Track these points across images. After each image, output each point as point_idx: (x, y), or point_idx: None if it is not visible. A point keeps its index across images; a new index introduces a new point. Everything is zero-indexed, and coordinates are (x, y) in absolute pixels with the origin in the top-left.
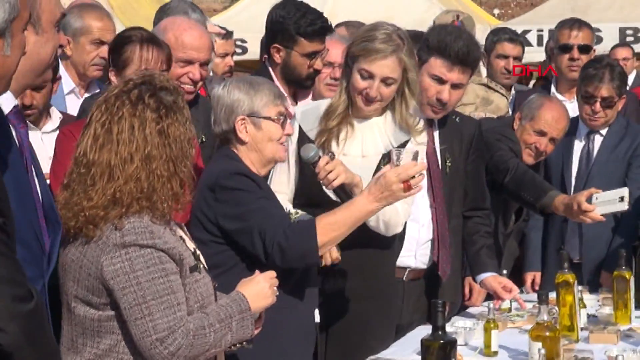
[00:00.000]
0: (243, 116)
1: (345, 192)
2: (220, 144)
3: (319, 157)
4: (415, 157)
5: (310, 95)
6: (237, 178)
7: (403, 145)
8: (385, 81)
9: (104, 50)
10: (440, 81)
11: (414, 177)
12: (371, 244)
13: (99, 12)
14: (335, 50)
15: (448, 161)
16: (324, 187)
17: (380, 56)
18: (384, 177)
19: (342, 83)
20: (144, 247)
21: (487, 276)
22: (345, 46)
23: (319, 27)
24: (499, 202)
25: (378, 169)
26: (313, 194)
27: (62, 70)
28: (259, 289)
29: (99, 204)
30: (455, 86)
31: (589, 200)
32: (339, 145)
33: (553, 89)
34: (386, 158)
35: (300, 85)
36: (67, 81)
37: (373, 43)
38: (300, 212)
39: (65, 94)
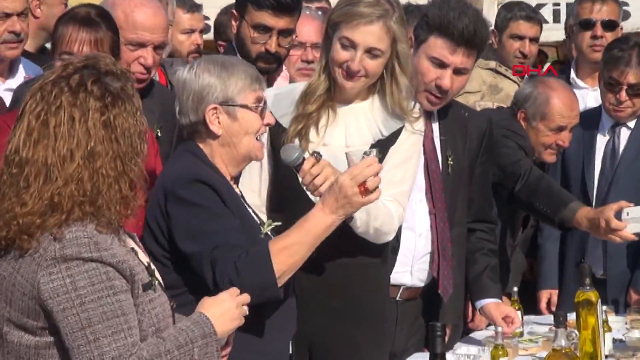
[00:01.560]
0: (215, 105)
1: None
2: (183, 138)
3: (303, 159)
4: (373, 154)
5: (283, 83)
6: (195, 187)
7: (396, 134)
8: (370, 52)
9: (14, 24)
10: (441, 65)
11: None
12: (360, 253)
13: None
14: (306, 28)
15: (450, 159)
16: (308, 193)
17: (364, 21)
18: (337, 183)
19: (322, 60)
20: (88, 260)
21: (488, 302)
22: (327, 14)
23: None
24: (506, 210)
25: None
26: (288, 196)
27: None
28: (225, 308)
29: (35, 210)
30: (458, 71)
31: (619, 215)
32: (318, 133)
33: (572, 73)
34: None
35: None
36: None
37: (357, 7)
38: (274, 222)
39: None
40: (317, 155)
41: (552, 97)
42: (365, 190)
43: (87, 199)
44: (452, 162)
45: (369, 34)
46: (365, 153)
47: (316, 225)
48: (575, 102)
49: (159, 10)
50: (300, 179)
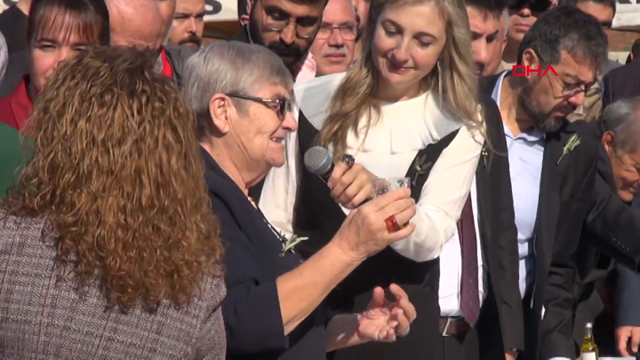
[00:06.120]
0: (222, 94)
1: None
2: None
3: (332, 165)
4: (405, 184)
5: (309, 74)
6: None
7: (450, 137)
8: (419, 38)
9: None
10: (473, 36)
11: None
12: (399, 277)
13: None
14: (332, 6)
15: (484, 149)
16: (340, 205)
17: (412, 1)
18: (360, 214)
19: (365, 49)
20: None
21: None
22: None
23: None
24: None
25: (412, 170)
26: (321, 212)
27: None
28: None
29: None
30: (491, 38)
31: None
32: (358, 136)
33: None
34: (423, 156)
35: None
36: None
37: None
38: (299, 237)
39: None
40: (348, 160)
41: None
42: (394, 225)
43: None
44: (486, 153)
45: (418, 15)
46: (399, 182)
47: (333, 263)
48: None
49: (157, 14)
50: (330, 189)
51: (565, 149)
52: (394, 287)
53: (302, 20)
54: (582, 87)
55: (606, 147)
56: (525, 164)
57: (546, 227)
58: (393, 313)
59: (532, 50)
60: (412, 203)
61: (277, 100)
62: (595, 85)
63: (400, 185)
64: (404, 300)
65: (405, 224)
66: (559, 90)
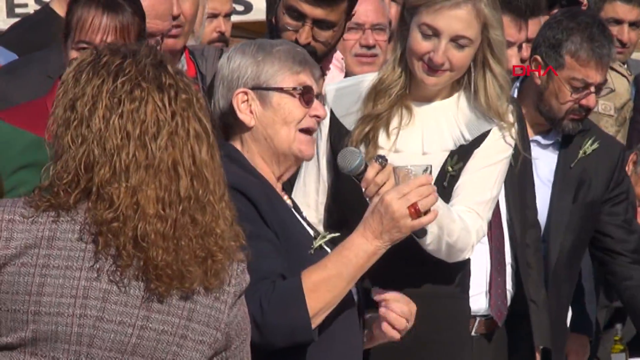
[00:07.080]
0: (244, 89)
1: None
2: (223, 138)
3: (365, 166)
4: (427, 172)
5: (337, 75)
6: None
7: (481, 138)
8: (456, 41)
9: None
10: (507, 45)
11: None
12: (431, 279)
13: None
14: (363, 7)
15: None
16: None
17: (449, 4)
18: (382, 202)
19: (397, 49)
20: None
21: None
22: None
23: None
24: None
25: (443, 171)
26: (352, 213)
27: None
28: None
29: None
30: (521, 46)
31: None
32: (389, 137)
33: None
34: (455, 157)
35: None
36: None
37: None
38: (329, 234)
39: None
40: (381, 161)
41: None
42: (416, 212)
43: None
44: (514, 152)
45: (455, 19)
46: (424, 170)
47: (357, 254)
48: None
49: None
50: (363, 190)
51: (580, 152)
52: (376, 296)
53: (319, 23)
54: (592, 89)
55: (630, 166)
56: (537, 166)
57: (555, 229)
58: (380, 313)
59: (538, 57)
60: (434, 190)
61: (300, 88)
62: (609, 85)
63: (423, 173)
64: (392, 304)
65: (428, 211)
66: (567, 94)
